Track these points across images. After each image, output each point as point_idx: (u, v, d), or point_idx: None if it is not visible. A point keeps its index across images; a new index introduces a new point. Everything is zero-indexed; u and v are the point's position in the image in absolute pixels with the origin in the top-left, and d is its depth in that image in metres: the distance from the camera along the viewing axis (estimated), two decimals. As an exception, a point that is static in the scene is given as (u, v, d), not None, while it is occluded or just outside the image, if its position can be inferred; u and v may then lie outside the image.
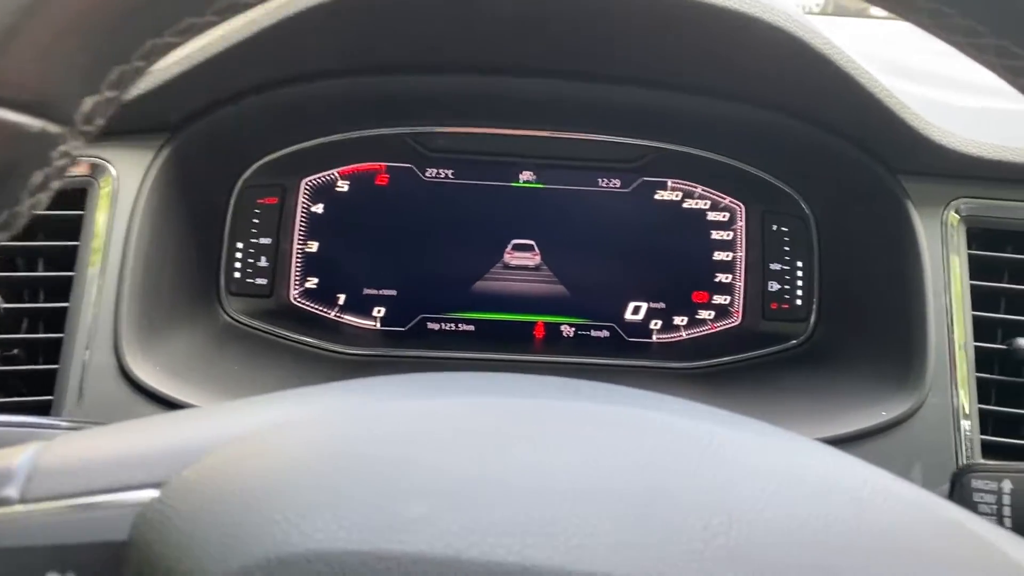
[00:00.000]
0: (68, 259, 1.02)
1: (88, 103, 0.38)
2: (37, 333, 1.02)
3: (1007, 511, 0.74)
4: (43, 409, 0.99)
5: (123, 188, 1.02)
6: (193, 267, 1.16)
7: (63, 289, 1.02)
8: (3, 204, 0.37)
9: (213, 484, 0.37)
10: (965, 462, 1.06)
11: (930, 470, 1.05)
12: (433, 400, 0.42)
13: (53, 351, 1.00)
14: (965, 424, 1.06)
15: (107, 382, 0.99)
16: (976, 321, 1.08)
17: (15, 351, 1.03)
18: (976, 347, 1.08)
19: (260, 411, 0.44)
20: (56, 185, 0.39)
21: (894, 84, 1.02)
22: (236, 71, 1.03)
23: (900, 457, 1.06)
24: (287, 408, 0.44)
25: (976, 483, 0.76)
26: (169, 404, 1.00)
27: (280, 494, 0.35)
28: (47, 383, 1.00)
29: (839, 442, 1.06)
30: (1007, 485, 0.74)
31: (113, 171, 1.03)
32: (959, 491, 0.77)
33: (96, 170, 1.03)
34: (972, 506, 0.76)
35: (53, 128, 0.37)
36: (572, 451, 0.38)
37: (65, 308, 1.01)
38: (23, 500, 0.38)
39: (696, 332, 1.32)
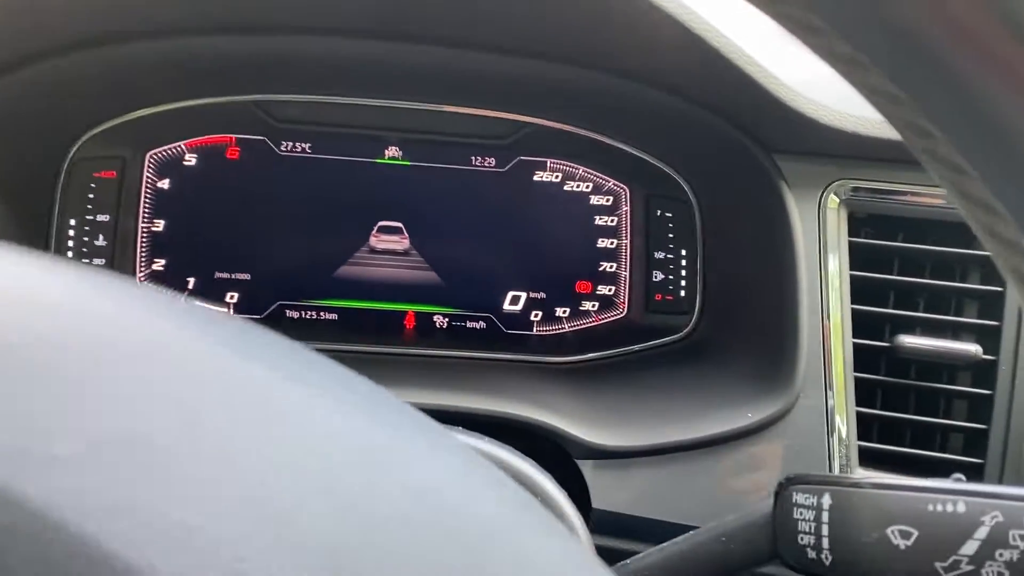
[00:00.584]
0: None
1: None
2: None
3: (824, 529, 0.65)
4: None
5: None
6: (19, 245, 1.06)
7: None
8: None
9: None
10: (840, 472, 0.97)
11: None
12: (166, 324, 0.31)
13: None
14: (840, 429, 0.96)
15: None
16: (857, 316, 0.99)
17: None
18: (856, 344, 0.98)
19: None
20: None
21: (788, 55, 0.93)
22: (63, 17, 0.93)
23: (769, 463, 0.97)
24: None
25: (797, 497, 0.67)
26: None
27: None
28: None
29: (708, 444, 0.97)
30: (827, 500, 0.65)
31: None
32: (780, 504, 0.68)
33: None
34: (792, 521, 0.67)
35: None
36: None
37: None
38: None
39: (579, 324, 1.22)
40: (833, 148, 0.97)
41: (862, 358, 0.98)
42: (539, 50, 1.03)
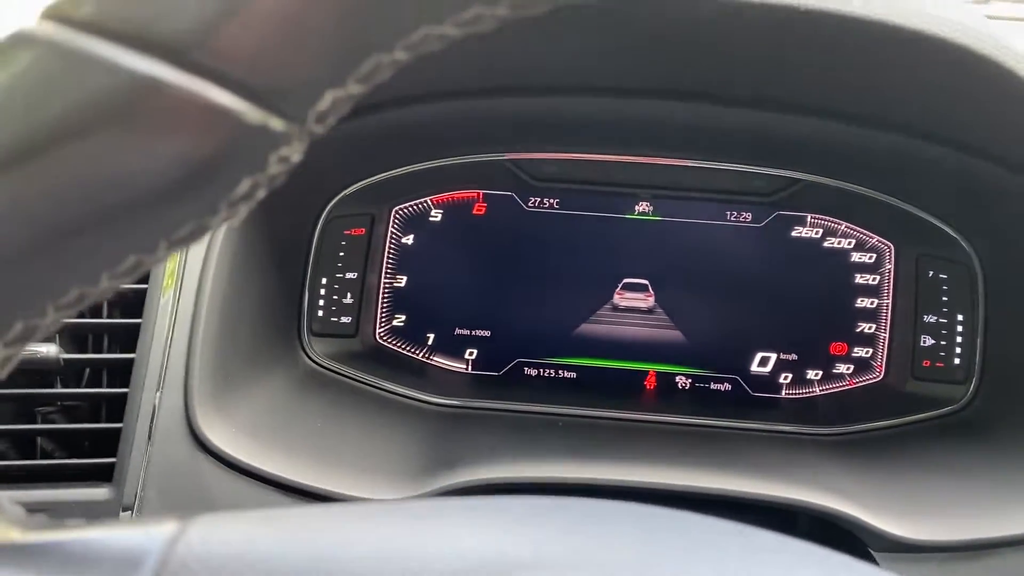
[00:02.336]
0: (136, 304, 0.91)
1: (328, 98, 0.30)
2: (100, 387, 0.91)
3: None
4: (105, 472, 0.88)
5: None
6: (274, 308, 1.05)
7: (131, 337, 0.91)
8: (194, 212, 0.30)
9: None
10: None
11: None
12: None
13: (118, 407, 0.90)
14: None
15: (175, 443, 0.88)
16: None
17: (78, 405, 0.93)
18: None
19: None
20: (262, 195, 0.31)
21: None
22: None
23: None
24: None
25: None
26: (244, 471, 0.89)
27: None
28: (111, 441, 0.89)
29: (1007, 544, 0.89)
30: None
31: (186, 207, 0.91)
32: None
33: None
34: None
35: (277, 124, 0.29)
36: None
37: (131, 359, 0.90)
38: None
39: (831, 388, 1.16)
40: None
41: None
42: (819, 108, 0.96)
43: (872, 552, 0.93)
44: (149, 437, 0.89)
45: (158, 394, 0.89)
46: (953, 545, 0.90)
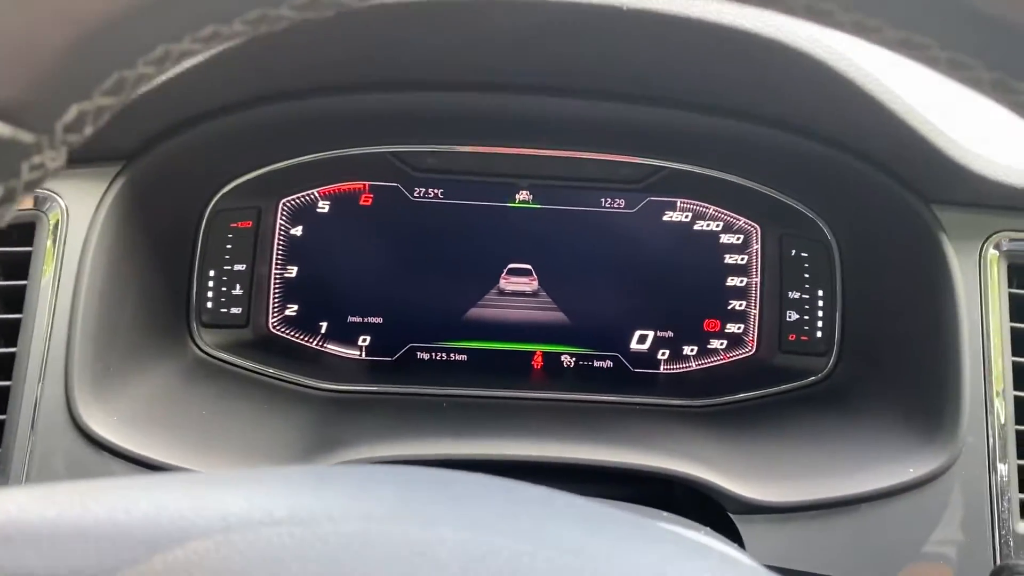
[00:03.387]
0: (17, 300, 0.93)
1: (74, 110, 0.32)
2: (-17, 381, 0.94)
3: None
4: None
5: (74, 221, 0.94)
6: (159, 300, 1.08)
7: (12, 331, 0.93)
8: None
9: None
10: (1001, 526, 0.96)
11: (964, 538, 0.95)
12: (413, 528, 0.35)
13: (2, 399, 0.92)
14: (1004, 483, 0.96)
15: (59, 434, 0.91)
16: (1018, 367, 0.97)
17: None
18: (1017, 396, 0.97)
19: (221, 497, 0.37)
20: (23, 197, 0.33)
21: (941, 100, 0.91)
22: (203, 91, 0.94)
23: (928, 520, 0.96)
24: (250, 500, 0.36)
25: (1018, 586, 0.67)
26: (127, 458, 0.92)
27: None
28: None
29: (859, 501, 0.97)
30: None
31: (62, 203, 0.94)
32: (999, 593, 0.68)
33: (43, 203, 0.94)
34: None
35: (26, 136, 0.32)
36: None
37: (13, 353, 0.92)
38: None
39: (707, 362, 1.22)
40: (995, 200, 0.96)
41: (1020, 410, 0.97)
42: (684, 101, 1.02)
43: (730, 515, 0.99)
44: (32, 427, 0.91)
45: (39, 386, 0.91)
46: (801, 505, 0.97)
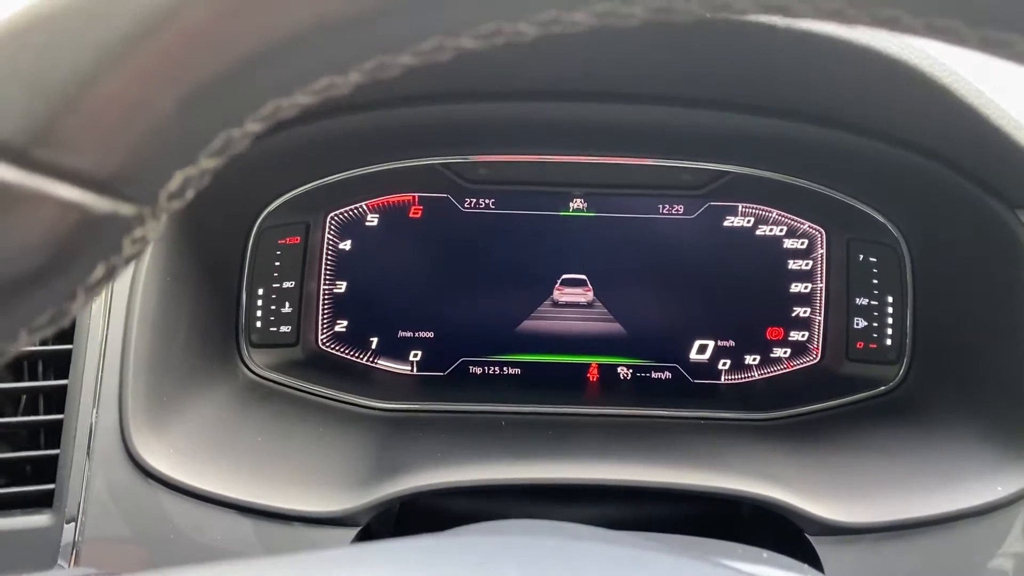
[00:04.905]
0: (67, 330, 0.91)
1: (179, 178, 0.29)
2: (37, 413, 0.91)
3: None
4: (45, 499, 0.89)
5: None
6: (209, 322, 1.05)
7: (64, 363, 0.91)
8: (52, 300, 0.30)
9: None
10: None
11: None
12: None
13: (55, 433, 0.90)
14: (1095, 500, 0.91)
15: (113, 466, 0.89)
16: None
17: (18, 433, 0.93)
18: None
19: None
20: (121, 272, 0.31)
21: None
22: None
23: (1019, 541, 0.92)
24: None
25: None
26: (183, 491, 0.89)
27: None
28: (51, 466, 0.90)
29: (943, 521, 0.92)
30: None
31: (111, 229, 0.91)
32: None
33: (92, 230, 0.91)
34: None
35: (128, 209, 0.29)
36: None
37: (65, 385, 0.90)
38: None
39: (769, 372, 1.18)
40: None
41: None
42: (749, 106, 0.97)
43: (808, 536, 0.95)
44: (87, 462, 0.89)
45: (93, 418, 0.89)
46: (883, 526, 0.93)
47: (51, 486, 0.89)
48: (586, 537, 0.42)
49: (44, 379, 0.92)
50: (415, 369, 1.17)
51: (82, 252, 0.29)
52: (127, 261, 0.31)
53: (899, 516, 0.93)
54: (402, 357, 1.17)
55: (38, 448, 0.91)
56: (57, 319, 0.31)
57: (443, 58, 0.32)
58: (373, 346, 1.17)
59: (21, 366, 0.93)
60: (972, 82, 0.84)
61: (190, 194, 0.31)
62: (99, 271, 0.30)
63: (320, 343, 1.16)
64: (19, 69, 0.27)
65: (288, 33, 0.27)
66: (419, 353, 1.17)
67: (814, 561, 0.94)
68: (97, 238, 0.29)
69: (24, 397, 0.93)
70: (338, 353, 1.16)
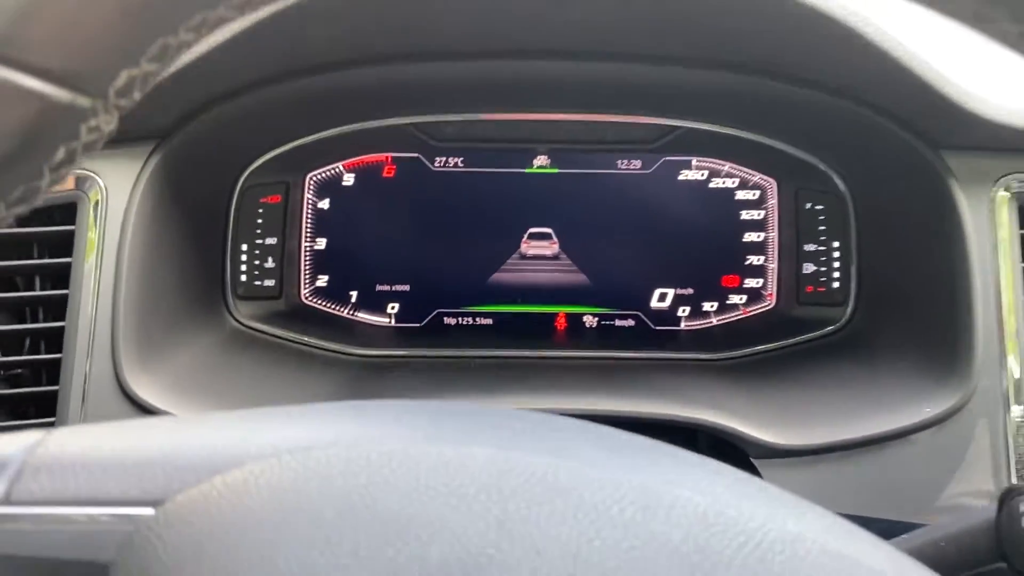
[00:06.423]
0: (63, 276, 0.99)
1: (124, 76, 0.35)
2: (39, 353, 0.99)
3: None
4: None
5: (113, 200, 0.98)
6: (196, 274, 1.13)
7: (61, 307, 0.99)
8: (23, 177, 0.35)
9: (213, 515, 0.35)
10: (1019, 461, 0.98)
11: (977, 471, 0.98)
12: (447, 448, 0.39)
13: (55, 371, 0.98)
14: (1019, 421, 0.98)
15: (108, 401, 0.97)
16: (1028, 307, 1.00)
17: (19, 371, 1.01)
18: (1028, 335, 0.99)
19: (271, 428, 0.41)
20: (81, 158, 0.37)
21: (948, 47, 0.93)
22: (229, 69, 0.98)
23: (945, 458, 0.99)
24: (298, 430, 0.41)
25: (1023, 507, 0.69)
26: None
27: (279, 537, 0.33)
28: (51, 403, 0.98)
29: (875, 442, 1.00)
30: (1058, 511, 0.67)
31: (101, 183, 0.99)
32: (1007, 515, 0.71)
33: (84, 183, 0.99)
34: (1020, 529, 0.69)
35: (83, 100, 0.34)
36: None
37: (62, 327, 0.98)
38: (8, 500, 0.37)
39: (727, 318, 1.25)
40: (1003, 143, 0.97)
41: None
42: (693, 58, 1.04)
43: (751, 459, 1.03)
44: (83, 397, 0.97)
45: (88, 358, 0.97)
46: (819, 448, 1.00)
47: (51, 419, 0.97)
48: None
49: (44, 322, 1.00)
50: (393, 321, 1.25)
51: (46, 135, 0.35)
52: (85, 148, 0.37)
53: (836, 438, 1.00)
54: (381, 309, 1.25)
55: (40, 386, 0.99)
56: (29, 195, 0.37)
57: None
58: (353, 299, 1.24)
59: (23, 311, 1.01)
60: (890, 30, 0.90)
61: (136, 93, 0.37)
62: (61, 153, 0.36)
63: (303, 297, 1.23)
64: None
65: None
66: (396, 305, 1.25)
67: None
68: (57, 124, 0.35)
69: (28, 340, 1.01)
70: (320, 306, 1.24)
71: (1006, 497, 0.72)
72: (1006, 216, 0.99)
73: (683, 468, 0.41)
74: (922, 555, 0.76)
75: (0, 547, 0.36)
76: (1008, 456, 0.99)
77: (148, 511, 0.36)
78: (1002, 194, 0.99)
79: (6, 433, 0.41)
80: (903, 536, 0.77)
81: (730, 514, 0.35)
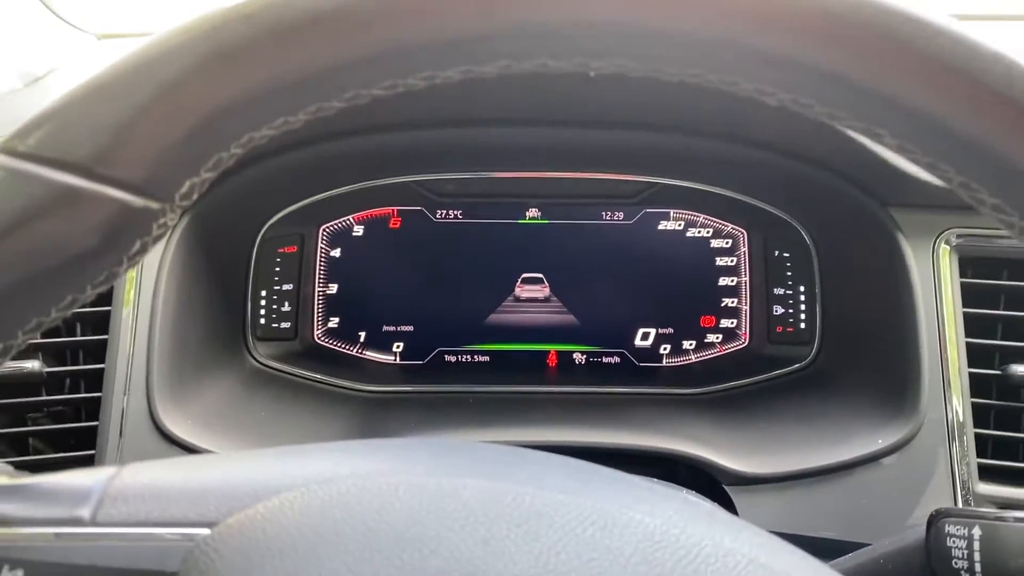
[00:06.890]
0: (103, 322, 1.10)
1: (187, 184, 0.43)
2: (79, 393, 1.11)
3: (976, 555, 0.77)
4: (86, 463, 1.08)
5: (148, 255, 1.10)
6: (220, 318, 1.24)
7: (100, 350, 1.10)
8: (106, 265, 0.43)
9: (258, 534, 0.41)
10: (962, 487, 1.09)
11: (931, 497, 1.08)
12: (444, 479, 0.47)
13: (94, 408, 1.09)
14: (962, 448, 1.09)
15: (142, 436, 1.07)
16: (971, 348, 1.10)
17: (61, 408, 1.12)
18: (971, 373, 1.10)
19: (300, 463, 0.49)
20: (152, 248, 0.45)
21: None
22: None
23: (901, 480, 1.09)
24: (323, 464, 0.48)
25: (949, 528, 0.79)
26: (198, 453, 1.08)
27: (311, 551, 0.40)
28: (91, 437, 1.09)
29: (835, 470, 1.10)
30: (976, 531, 0.77)
31: (139, 240, 1.10)
32: (934, 535, 0.81)
33: (123, 241, 1.10)
34: (946, 549, 0.79)
35: (155, 205, 0.42)
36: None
37: (102, 369, 1.09)
38: (94, 522, 0.43)
39: (705, 355, 1.36)
40: (942, 200, 1.09)
41: (977, 385, 1.10)
42: (678, 126, 1.17)
43: (724, 487, 1.13)
44: (120, 432, 1.08)
45: (125, 396, 1.08)
46: (787, 475, 1.10)
47: (91, 452, 1.08)
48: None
49: (84, 364, 1.11)
50: (398, 359, 1.36)
51: (125, 233, 0.42)
52: (155, 240, 0.46)
53: (800, 467, 1.11)
54: (386, 348, 1.36)
55: (80, 422, 1.11)
56: (110, 279, 0.44)
57: (362, 102, 0.49)
58: (361, 339, 1.36)
59: (64, 354, 1.13)
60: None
61: (196, 195, 0.46)
62: (136, 246, 0.43)
63: (316, 337, 1.35)
64: (88, 118, 0.42)
65: (253, 92, 0.43)
66: (401, 345, 1.36)
67: (731, 509, 1.12)
68: (134, 224, 0.42)
69: (68, 380, 1.12)
70: (331, 346, 1.35)
71: (933, 519, 0.82)
72: (947, 266, 1.11)
73: (639, 494, 0.51)
74: (861, 572, 0.86)
75: (89, 560, 0.43)
76: (954, 483, 1.09)
77: (205, 531, 0.42)
78: (944, 246, 1.11)
79: (83, 471, 0.48)
80: (848, 555, 0.88)
81: (674, 532, 0.43)
